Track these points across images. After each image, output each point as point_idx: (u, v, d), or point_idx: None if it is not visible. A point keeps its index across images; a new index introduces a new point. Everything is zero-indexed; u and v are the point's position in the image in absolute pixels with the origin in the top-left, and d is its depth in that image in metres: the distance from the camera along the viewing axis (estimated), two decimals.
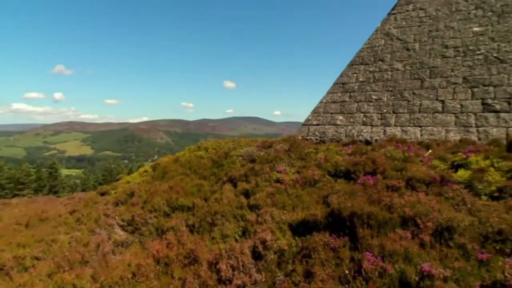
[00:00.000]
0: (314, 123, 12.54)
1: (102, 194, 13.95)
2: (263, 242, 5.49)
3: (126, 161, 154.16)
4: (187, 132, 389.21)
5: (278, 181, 8.81)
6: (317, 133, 12.21)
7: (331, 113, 12.32)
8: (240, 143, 13.39)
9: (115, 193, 13.02)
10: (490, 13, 11.48)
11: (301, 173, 8.83)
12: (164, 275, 5.98)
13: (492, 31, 11.09)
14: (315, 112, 12.82)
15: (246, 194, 8.63)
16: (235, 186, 9.39)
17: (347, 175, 8.10)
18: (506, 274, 3.49)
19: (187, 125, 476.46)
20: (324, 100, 12.87)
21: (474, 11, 11.82)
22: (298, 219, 6.14)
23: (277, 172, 9.23)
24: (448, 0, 12.55)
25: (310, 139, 12.17)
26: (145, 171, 14.97)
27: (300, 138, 12.36)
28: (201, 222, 7.92)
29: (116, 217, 10.03)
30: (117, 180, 16.55)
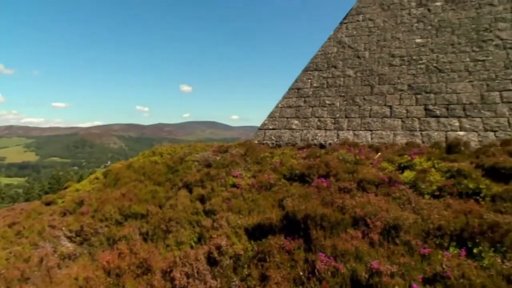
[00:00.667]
0: (270, 127, 12.71)
1: (48, 203, 12.98)
2: (219, 247, 5.41)
3: (76, 168, 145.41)
4: (142, 137, 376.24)
5: (234, 185, 8.78)
6: (273, 137, 12.37)
7: (287, 118, 12.56)
8: (196, 148, 13.19)
9: (63, 202, 12.19)
10: (429, 27, 12.42)
11: (257, 177, 8.87)
12: (115, 287, 5.68)
13: (431, 43, 12.00)
14: (271, 116, 13.00)
15: (202, 200, 8.49)
16: (190, 191, 9.21)
17: (302, 178, 8.27)
18: (443, 266, 3.75)
19: (142, 129, 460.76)
20: (280, 105, 13.10)
21: (416, 24, 12.73)
22: (254, 223, 6.15)
23: (233, 176, 9.20)
24: (393, 12, 13.39)
25: (266, 143, 12.30)
26: (96, 178, 14.20)
27: (256, 142, 12.44)
28: (155, 229, 7.65)
29: (63, 228, 9.37)
30: (65, 188, 15.51)
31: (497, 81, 10.51)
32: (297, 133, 11.98)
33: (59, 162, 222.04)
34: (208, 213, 7.65)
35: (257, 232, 5.97)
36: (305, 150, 10.45)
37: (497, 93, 10.31)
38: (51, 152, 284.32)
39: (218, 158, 11.23)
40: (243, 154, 11.01)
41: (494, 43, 11.29)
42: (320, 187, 7.34)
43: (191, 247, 6.43)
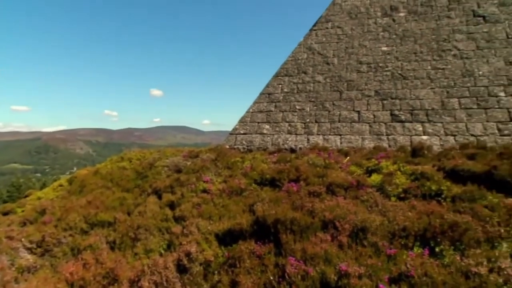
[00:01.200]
0: (242, 132, 12.71)
1: (6, 213, 12.22)
2: (188, 254, 5.31)
3: (38, 174, 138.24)
4: (111, 142, 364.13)
5: (204, 191, 8.68)
6: (244, 142, 12.37)
7: (258, 122, 12.61)
8: (166, 153, 12.94)
9: (23, 211, 11.52)
10: (394, 36, 12.97)
11: (228, 183, 8.83)
12: None
13: (396, 51, 12.52)
14: (242, 121, 13.01)
15: (172, 206, 8.33)
16: (160, 198, 9.01)
17: (273, 183, 8.31)
18: (408, 266, 3.88)
19: (111, 134, 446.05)
20: (251, 110, 13.14)
21: (382, 33, 13.24)
22: (225, 228, 6.09)
23: (204, 182, 9.10)
24: (361, 21, 13.86)
25: (238, 148, 12.28)
26: (60, 185, 13.56)
27: (227, 147, 12.40)
28: (123, 237, 7.39)
29: (23, 239, 8.82)
30: (26, 196, 14.69)
31: (455, 88, 11.12)
32: (268, 138, 12.06)
33: (20, 168, 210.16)
34: (178, 219, 7.49)
35: (227, 238, 5.92)
36: (276, 154, 10.53)
37: (456, 99, 10.90)
38: (10, 158, 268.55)
39: (188, 163, 11.07)
40: (214, 159, 10.93)
41: (452, 53, 11.95)
42: (291, 191, 7.41)
43: (160, 254, 6.27)
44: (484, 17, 12.59)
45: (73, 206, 9.70)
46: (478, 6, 12.90)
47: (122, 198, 9.56)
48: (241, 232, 5.82)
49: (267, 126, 12.39)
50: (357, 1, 14.47)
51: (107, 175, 12.02)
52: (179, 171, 10.69)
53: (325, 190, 7.12)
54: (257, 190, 8.15)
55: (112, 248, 7.27)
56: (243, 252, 5.08)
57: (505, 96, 10.60)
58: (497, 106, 10.47)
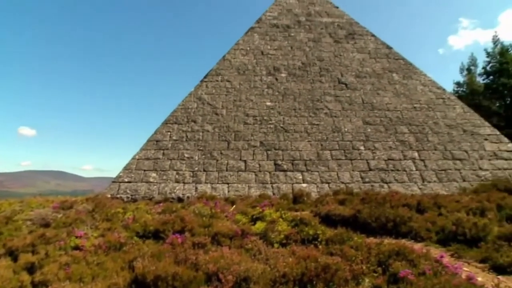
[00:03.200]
0: (126, 180, 11.74)
1: None
2: None
3: None
4: None
5: (77, 248, 7.43)
6: (128, 191, 11.41)
7: (144, 170, 11.89)
8: (31, 204, 10.87)
9: None
10: (277, 93, 14.35)
11: (106, 237, 7.79)
12: None
13: (279, 107, 13.79)
14: (127, 168, 12.08)
15: (32, 269, 6.80)
16: (16, 259, 7.32)
17: (156, 235, 7.70)
18: None
19: None
20: (137, 157, 12.38)
21: (266, 90, 14.51)
22: None
23: (77, 237, 7.82)
24: (248, 77, 15.00)
25: (121, 197, 11.23)
26: None
27: (109, 196, 11.21)
28: None
29: None
30: None
31: (327, 141, 12.66)
32: (155, 186, 11.40)
33: None
34: (38, 285, 6.12)
35: None
36: (161, 204, 9.93)
37: (328, 151, 12.36)
38: None
39: (59, 215, 9.48)
40: (91, 210, 9.66)
41: (324, 111, 13.76)
42: (175, 243, 6.93)
43: None
44: (346, 84, 15.08)
45: None
46: (342, 75, 15.45)
47: None
48: None
49: (154, 174, 11.75)
50: (245, 59, 15.74)
51: None
52: (46, 225, 9.02)
53: (210, 240, 6.87)
54: (139, 243, 7.38)
55: None
56: None
57: (365, 150, 12.53)
58: (359, 158, 12.24)
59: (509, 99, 30.31)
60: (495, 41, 33.51)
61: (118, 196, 11.28)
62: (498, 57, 32.01)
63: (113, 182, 11.87)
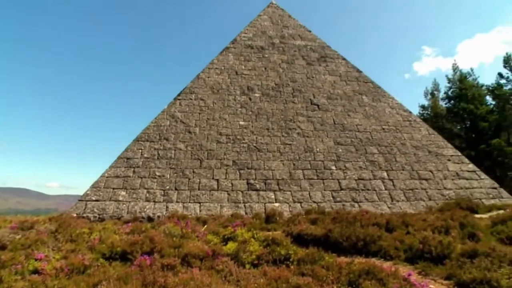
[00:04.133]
0: (93, 198, 11.26)
1: None
2: None
3: None
4: None
5: (36, 271, 6.95)
6: (95, 210, 10.93)
7: (113, 188, 11.47)
8: None
9: None
10: (250, 112, 14.48)
11: (69, 259, 7.35)
12: None
13: (252, 126, 13.89)
14: (95, 186, 11.61)
15: None
16: None
17: (124, 257, 7.37)
18: None
19: None
20: (106, 174, 11.95)
21: (240, 109, 14.61)
22: None
23: (36, 260, 7.34)
24: (222, 96, 15.08)
25: (87, 216, 10.73)
26: None
27: (74, 215, 10.68)
28: None
29: None
30: None
31: (300, 161, 12.81)
32: (124, 205, 10.99)
33: None
34: None
35: None
36: (130, 224, 9.55)
37: (301, 171, 12.49)
38: None
39: (18, 237, 8.86)
40: (54, 231, 9.12)
41: (296, 131, 13.99)
42: (143, 265, 6.65)
43: None
44: (318, 105, 15.48)
45: None
46: (314, 97, 15.86)
47: None
48: None
49: (124, 193, 11.36)
50: (219, 78, 15.85)
51: None
52: (2, 247, 8.41)
53: (180, 262, 6.65)
54: (104, 266, 7.02)
55: None
56: None
57: (336, 170, 12.77)
58: (330, 178, 12.44)
59: (469, 122, 32.19)
60: (455, 68, 35.88)
61: (85, 215, 10.78)
62: (458, 83, 34.19)
63: (80, 200, 11.36)
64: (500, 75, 31.60)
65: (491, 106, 32.35)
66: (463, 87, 32.69)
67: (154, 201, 11.06)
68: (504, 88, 30.96)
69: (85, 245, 8.19)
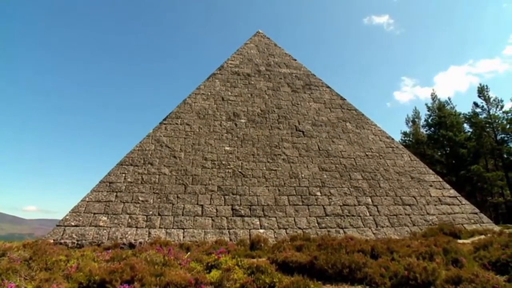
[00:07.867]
0: (73, 223, 10.87)
1: None
2: None
3: None
4: None
5: None
6: (74, 236, 10.53)
7: (94, 213, 11.13)
8: None
9: None
10: (236, 138, 14.55)
11: None
12: None
13: (237, 152, 13.91)
14: (75, 211, 11.24)
15: None
16: None
17: (102, 286, 7.04)
18: None
19: None
20: (87, 199, 11.62)
21: (226, 135, 14.68)
22: None
23: None
24: (208, 121, 15.15)
25: (65, 242, 10.31)
26: None
27: (52, 241, 10.24)
28: None
29: None
30: None
31: (285, 187, 12.82)
32: (105, 231, 10.64)
33: None
34: None
35: None
36: (111, 251, 9.22)
37: (286, 197, 12.47)
38: None
39: None
40: (28, 258, 8.67)
41: (282, 157, 14.09)
42: None
43: None
44: (303, 132, 15.71)
45: None
46: (299, 123, 16.12)
47: None
48: None
49: (105, 218, 11.02)
50: (206, 104, 15.98)
51: None
52: None
53: None
54: None
55: None
56: None
57: (321, 196, 12.81)
58: (315, 203, 12.45)
59: (448, 148, 33.18)
60: (434, 97, 37.38)
61: (62, 241, 10.36)
62: (437, 111, 35.51)
63: (58, 225, 10.94)
64: (476, 104, 33.09)
65: (469, 133, 33.60)
66: (442, 115, 33.96)
67: (137, 227, 10.76)
68: (480, 116, 32.33)
69: (61, 274, 7.82)
